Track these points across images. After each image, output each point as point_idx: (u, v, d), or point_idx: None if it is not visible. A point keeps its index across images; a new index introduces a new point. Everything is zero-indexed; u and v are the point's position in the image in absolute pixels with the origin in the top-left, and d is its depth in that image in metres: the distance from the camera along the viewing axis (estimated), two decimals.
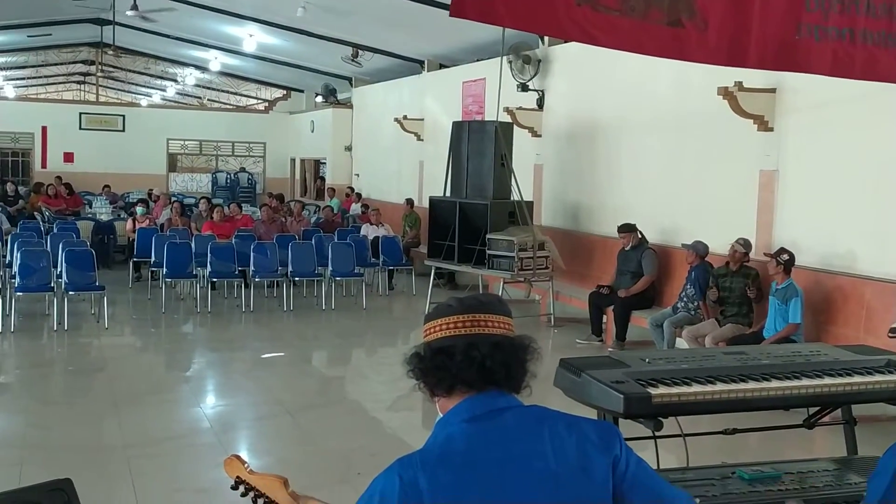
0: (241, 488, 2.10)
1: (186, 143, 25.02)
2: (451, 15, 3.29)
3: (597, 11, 3.52)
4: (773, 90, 8.35)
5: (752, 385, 3.19)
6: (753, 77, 7.87)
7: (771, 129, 8.44)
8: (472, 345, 1.80)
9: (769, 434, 4.79)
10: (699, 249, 8.63)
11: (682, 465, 3.36)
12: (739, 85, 8.20)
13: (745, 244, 8.09)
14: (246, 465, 2.12)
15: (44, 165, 22.94)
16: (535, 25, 4.26)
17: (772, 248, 7.94)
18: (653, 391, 3.02)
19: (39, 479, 1.79)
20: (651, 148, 10.36)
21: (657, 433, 3.03)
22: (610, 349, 8.94)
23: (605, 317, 9.64)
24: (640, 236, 9.64)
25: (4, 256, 11.18)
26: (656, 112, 10.24)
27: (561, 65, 12.42)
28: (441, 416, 1.85)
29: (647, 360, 3.32)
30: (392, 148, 18.20)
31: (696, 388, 3.11)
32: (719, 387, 3.15)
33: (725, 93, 8.28)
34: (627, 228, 9.63)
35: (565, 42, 12.17)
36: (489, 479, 1.69)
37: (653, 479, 1.85)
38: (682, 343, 8.34)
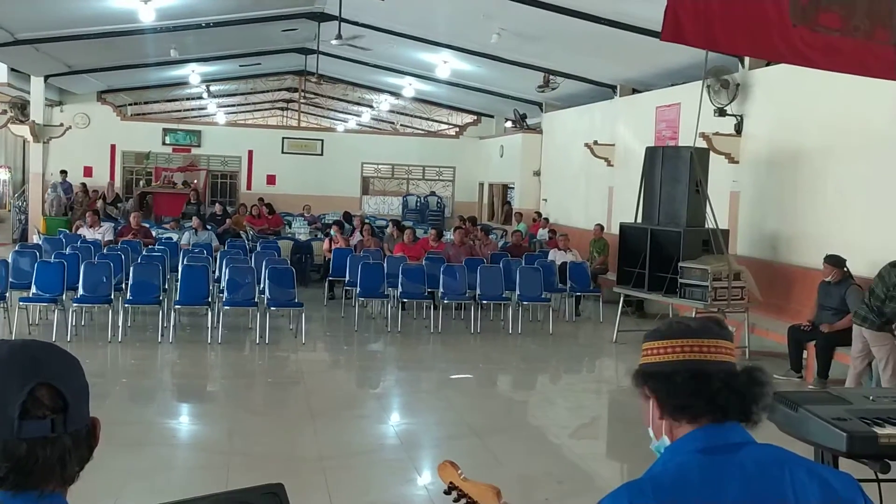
0: (454, 494, 2.08)
1: (379, 166, 25.86)
2: (662, 39, 3.20)
3: (815, 32, 3.35)
4: None
5: None
6: None
7: None
8: (701, 372, 1.71)
9: None
10: None
11: None
12: None
13: None
14: (459, 472, 2.09)
15: (248, 187, 24.31)
16: (749, 48, 4.10)
17: None
18: (879, 431, 2.84)
19: (244, 484, 1.84)
20: (862, 175, 9.77)
21: (882, 476, 2.83)
22: (810, 386, 8.50)
23: (805, 352, 9.15)
24: (845, 271, 9.07)
25: (214, 272, 11.85)
26: (869, 137, 9.65)
27: (762, 89, 11.95)
28: (667, 441, 1.76)
29: (871, 397, 3.13)
30: (580, 173, 18.10)
31: None
32: None
33: None
34: (836, 262, 9.00)
35: (766, 65, 11.71)
36: None
37: None
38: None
